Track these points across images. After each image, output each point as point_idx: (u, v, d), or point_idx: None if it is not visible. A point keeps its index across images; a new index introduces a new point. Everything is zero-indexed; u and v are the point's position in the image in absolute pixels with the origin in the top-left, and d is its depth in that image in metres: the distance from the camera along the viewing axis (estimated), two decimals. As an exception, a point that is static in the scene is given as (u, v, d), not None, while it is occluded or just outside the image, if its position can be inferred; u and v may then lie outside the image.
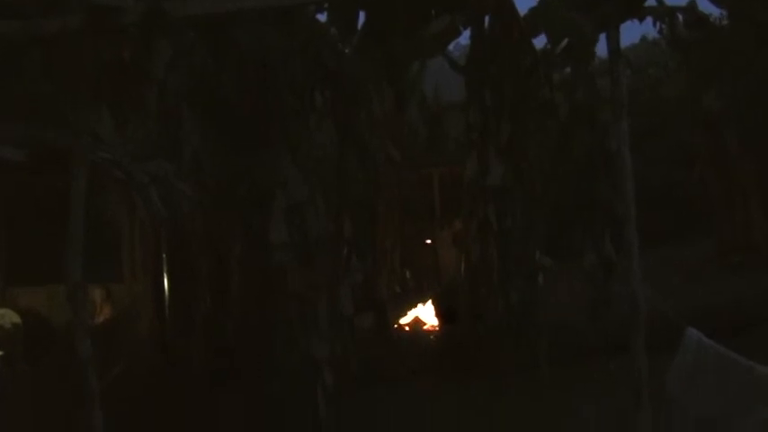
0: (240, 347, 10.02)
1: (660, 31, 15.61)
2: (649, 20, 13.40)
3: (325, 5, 8.05)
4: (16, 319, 13.41)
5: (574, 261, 10.68)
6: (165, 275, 10.93)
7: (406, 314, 14.44)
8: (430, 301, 14.20)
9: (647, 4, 8.71)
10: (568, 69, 10.78)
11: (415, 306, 14.45)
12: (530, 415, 8.49)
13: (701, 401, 5.17)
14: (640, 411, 6.09)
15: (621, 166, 6.55)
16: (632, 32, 40.54)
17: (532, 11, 9.20)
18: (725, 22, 17.07)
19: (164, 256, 10.80)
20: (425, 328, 14.18)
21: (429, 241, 16.17)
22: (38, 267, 15.22)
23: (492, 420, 8.48)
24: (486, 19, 10.15)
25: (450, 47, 10.79)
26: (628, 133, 6.66)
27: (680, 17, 13.12)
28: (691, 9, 13.21)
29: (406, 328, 14.31)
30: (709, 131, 18.54)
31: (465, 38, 11.05)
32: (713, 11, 15.07)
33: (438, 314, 13.83)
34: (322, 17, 8.64)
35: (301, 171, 8.78)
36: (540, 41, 9.90)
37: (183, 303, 10.94)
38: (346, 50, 8.90)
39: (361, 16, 8.21)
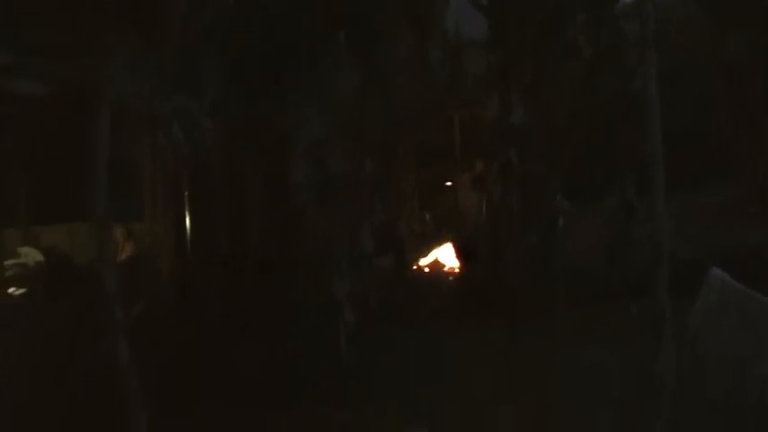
0: (261, 286, 10.06)
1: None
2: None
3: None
4: (38, 257, 13.54)
5: (594, 204, 10.64)
6: (187, 214, 10.95)
7: (425, 256, 14.46)
8: (450, 243, 14.21)
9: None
10: (593, 10, 10.64)
11: (435, 248, 14.46)
12: (548, 358, 8.51)
13: (724, 340, 5.18)
14: (663, 353, 6.09)
15: (649, 108, 6.49)
16: (657, -26, 39.77)
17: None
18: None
19: (185, 194, 10.82)
20: (445, 269, 14.21)
21: (449, 183, 16.12)
22: (59, 206, 15.34)
23: (510, 363, 8.51)
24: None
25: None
26: (655, 74, 6.59)
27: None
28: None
29: (426, 270, 14.34)
30: (731, 78, 18.27)
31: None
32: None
33: (458, 256, 13.84)
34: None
35: (321, 111, 8.76)
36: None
37: (203, 242, 10.97)
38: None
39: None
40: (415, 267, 14.18)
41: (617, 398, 6.91)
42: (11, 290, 11.24)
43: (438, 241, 14.52)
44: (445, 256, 14.28)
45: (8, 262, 11.81)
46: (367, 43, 9.70)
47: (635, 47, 7.72)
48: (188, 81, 9.28)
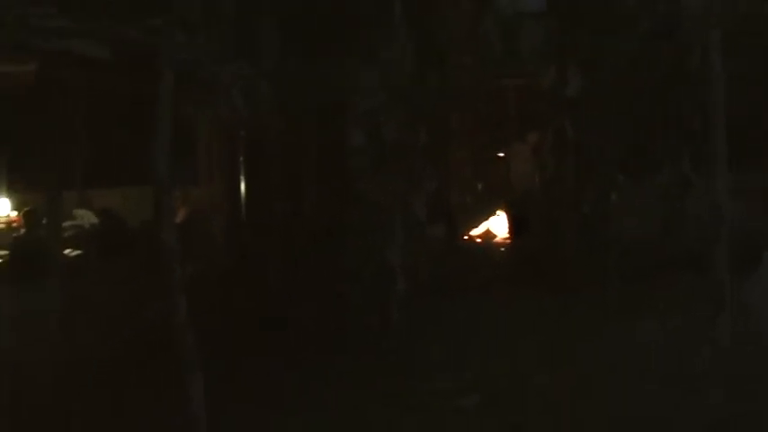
0: (314, 252, 10.14)
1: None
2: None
3: None
4: (93, 219, 13.84)
5: (650, 178, 10.55)
6: (242, 179, 11.06)
7: (477, 226, 14.48)
8: (502, 214, 14.20)
9: None
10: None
11: (487, 218, 14.47)
12: (599, 329, 8.51)
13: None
14: (719, 327, 6.07)
15: (710, 82, 6.42)
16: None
17: None
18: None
19: (241, 159, 10.93)
20: (497, 240, 14.22)
21: (502, 154, 16.07)
22: (114, 170, 15.58)
23: (561, 333, 8.53)
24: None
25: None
26: (717, 47, 6.52)
27: None
28: None
29: (478, 240, 14.36)
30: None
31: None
32: None
33: (510, 227, 13.84)
34: None
35: (378, 79, 8.76)
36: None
37: (258, 208, 11.06)
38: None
39: None
40: (466, 237, 14.21)
41: (668, 371, 6.89)
42: (67, 251, 11.49)
43: (490, 211, 14.52)
44: (497, 226, 14.29)
45: (64, 224, 12.06)
46: (424, 12, 9.68)
47: (695, 19, 7.62)
48: (247, 46, 9.33)
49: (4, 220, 13.02)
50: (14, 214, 13.15)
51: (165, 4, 6.95)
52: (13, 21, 6.54)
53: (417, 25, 9.55)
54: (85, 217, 13.55)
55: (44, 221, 12.44)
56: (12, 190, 13.53)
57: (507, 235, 13.96)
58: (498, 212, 14.44)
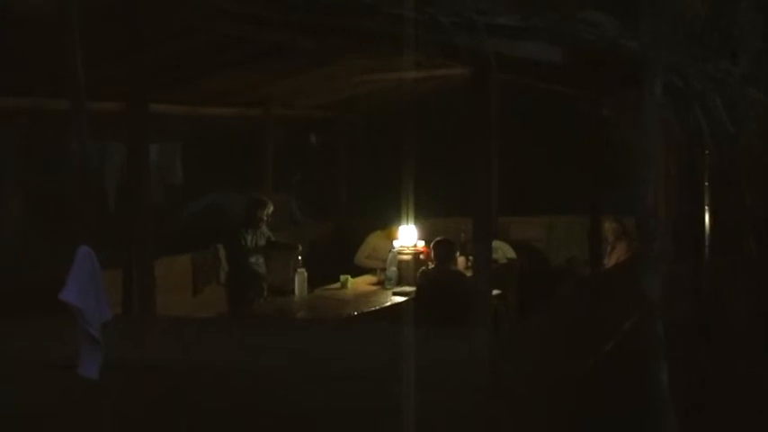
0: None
1: None
2: None
3: None
4: (511, 253, 12.67)
5: None
6: (705, 207, 9.33)
7: None
8: None
9: None
10: None
11: None
12: None
13: None
14: None
15: None
16: None
17: None
18: None
19: (705, 183, 9.20)
20: None
21: None
22: (539, 194, 14.55)
23: None
24: None
25: None
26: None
27: None
28: None
29: None
30: None
31: None
32: None
33: None
34: None
35: None
36: None
37: (723, 242, 9.33)
38: None
39: None
40: None
41: None
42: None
43: None
44: None
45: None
46: None
47: None
48: (717, 41, 7.75)
49: (410, 250, 12.13)
50: (422, 244, 12.25)
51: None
52: (452, 20, 5.61)
53: None
54: (501, 249, 12.39)
55: (458, 255, 11.47)
56: (420, 215, 12.70)
57: None
58: None
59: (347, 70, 11.43)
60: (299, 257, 11.24)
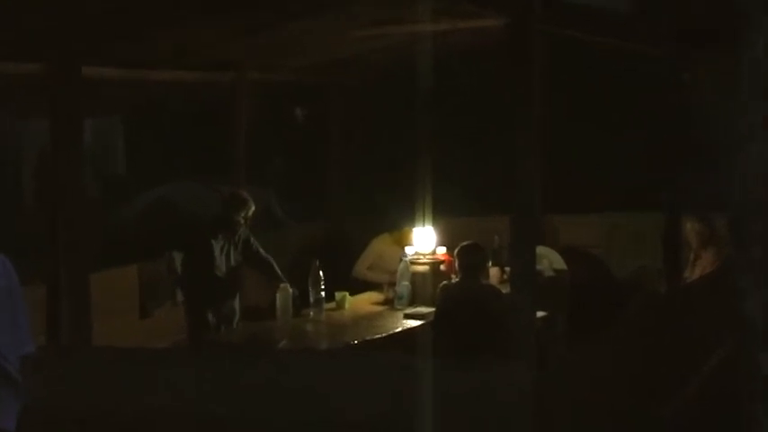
0: None
1: None
2: None
3: None
4: (560, 263, 12.66)
5: None
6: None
7: None
8: None
9: None
10: None
11: None
12: None
13: None
14: None
15: None
16: None
17: None
18: None
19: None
20: None
21: None
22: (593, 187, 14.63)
23: None
24: None
25: None
26: None
27: None
28: None
29: None
30: None
31: None
32: None
33: None
34: None
35: None
36: None
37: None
38: None
39: None
40: None
41: None
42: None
43: None
44: None
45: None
46: None
47: None
48: None
49: (427, 259, 12.09)
50: (443, 251, 12.21)
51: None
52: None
53: None
54: (547, 258, 12.38)
55: (490, 265, 11.47)
56: (440, 214, 12.71)
57: None
58: None
59: (345, 21, 11.37)
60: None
